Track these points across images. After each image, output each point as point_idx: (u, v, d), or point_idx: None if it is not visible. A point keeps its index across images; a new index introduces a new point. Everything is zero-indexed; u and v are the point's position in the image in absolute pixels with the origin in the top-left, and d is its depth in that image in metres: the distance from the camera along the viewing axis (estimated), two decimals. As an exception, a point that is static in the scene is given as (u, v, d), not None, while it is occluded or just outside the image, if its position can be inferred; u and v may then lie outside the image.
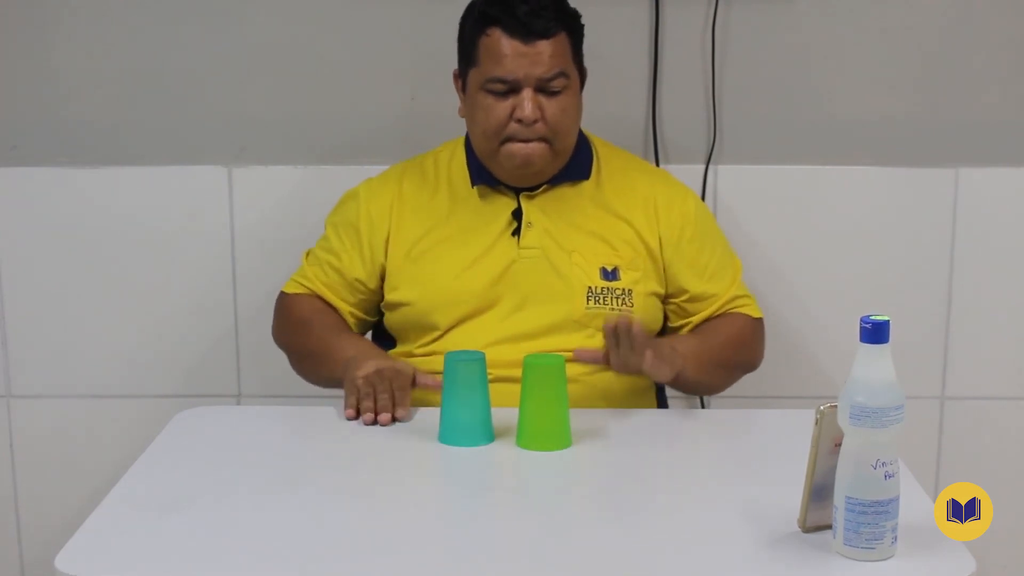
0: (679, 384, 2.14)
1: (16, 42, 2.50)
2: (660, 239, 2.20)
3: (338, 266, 2.22)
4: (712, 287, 2.21)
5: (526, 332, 2.14)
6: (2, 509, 2.66)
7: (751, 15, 2.46)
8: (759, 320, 2.26)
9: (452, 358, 1.92)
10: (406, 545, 1.60)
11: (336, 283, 2.22)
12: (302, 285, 2.24)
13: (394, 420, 1.97)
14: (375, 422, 1.97)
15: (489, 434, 1.91)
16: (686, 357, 2.07)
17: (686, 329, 2.22)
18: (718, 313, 2.22)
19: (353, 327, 2.24)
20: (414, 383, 2.03)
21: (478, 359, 1.92)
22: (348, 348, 2.12)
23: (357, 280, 2.21)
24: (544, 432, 1.88)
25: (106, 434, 2.60)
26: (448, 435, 1.90)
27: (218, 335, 2.59)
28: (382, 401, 1.97)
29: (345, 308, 2.22)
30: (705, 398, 2.53)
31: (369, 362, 2.04)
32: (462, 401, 1.89)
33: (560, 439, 1.88)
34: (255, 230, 2.56)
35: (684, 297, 2.21)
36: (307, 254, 2.28)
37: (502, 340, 2.13)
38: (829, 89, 2.50)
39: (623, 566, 1.55)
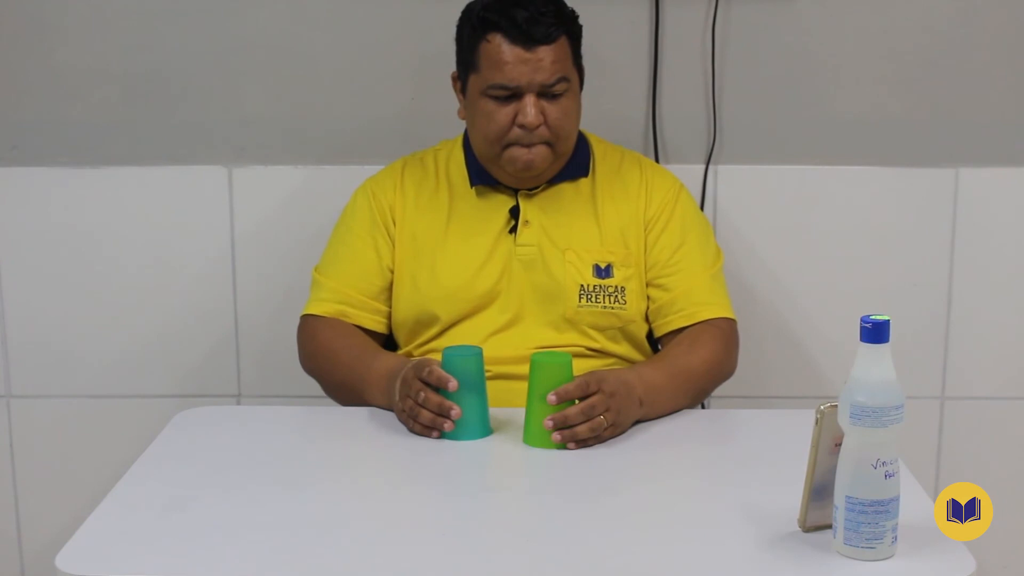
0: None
1: (16, 42, 2.50)
2: (646, 225, 2.19)
3: (358, 268, 2.18)
4: (677, 278, 2.17)
5: (522, 330, 2.15)
6: (2, 509, 2.66)
7: (751, 15, 2.46)
8: (731, 322, 2.18)
9: (450, 353, 1.93)
10: (406, 545, 1.60)
11: (356, 292, 2.17)
12: (322, 304, 2.18)
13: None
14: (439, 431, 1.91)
15: (487, 427, 1.93)
16: (652, 399, 1.98)
17: (660, 331, 2.18)
18: (688, 324, 2.15)
19: (383, 329, 2.20)
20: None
21: (475, 354, 1.92)
22: (377, 373, 2.04)
23: (382, 268, 2.17)
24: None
25: (106, 434, 2.60)
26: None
27: (218, 335, 2.59)
28: (427, 418, 1.90)
29: (369, 318, 2.18)
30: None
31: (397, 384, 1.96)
32: (461, 395, 1.89)
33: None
34: (255, 230, 2.56)
35: (652, 277, 2.18)
36: (316, 271, 2.23)
37: (499, 338, 2.13)
38: (829, 89, 2.50)
39: (623, 566, 1.54)
